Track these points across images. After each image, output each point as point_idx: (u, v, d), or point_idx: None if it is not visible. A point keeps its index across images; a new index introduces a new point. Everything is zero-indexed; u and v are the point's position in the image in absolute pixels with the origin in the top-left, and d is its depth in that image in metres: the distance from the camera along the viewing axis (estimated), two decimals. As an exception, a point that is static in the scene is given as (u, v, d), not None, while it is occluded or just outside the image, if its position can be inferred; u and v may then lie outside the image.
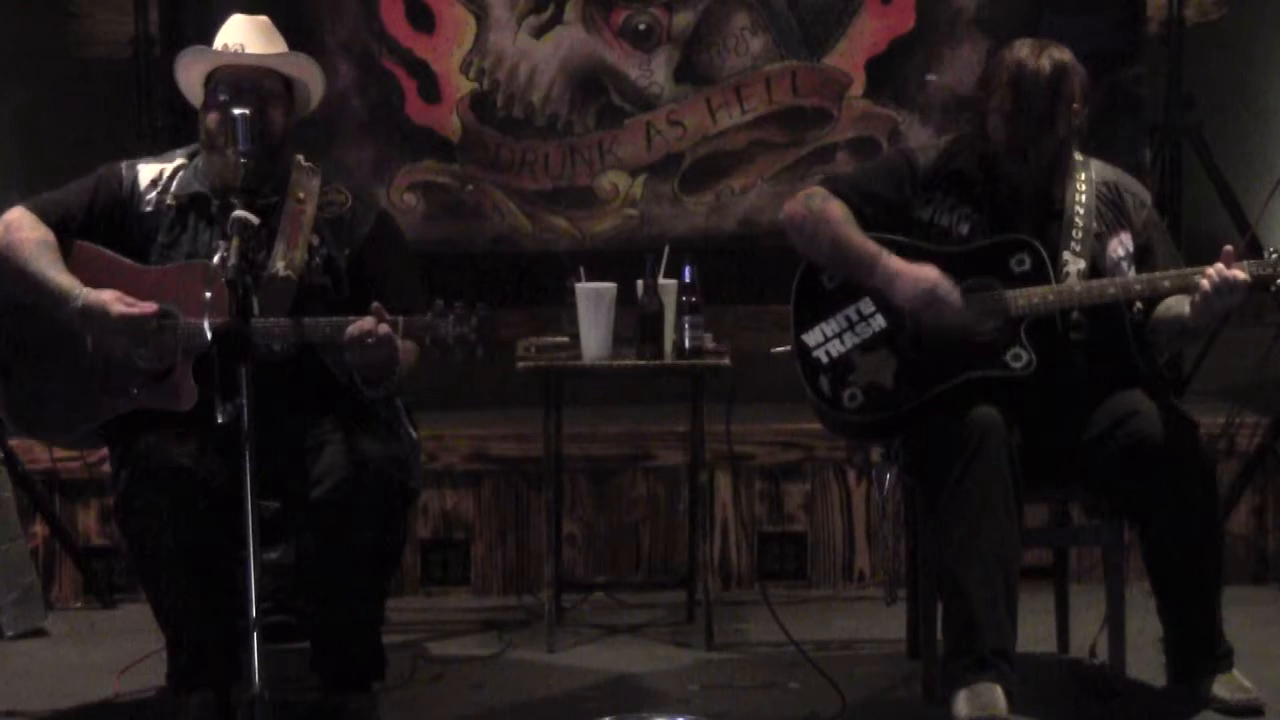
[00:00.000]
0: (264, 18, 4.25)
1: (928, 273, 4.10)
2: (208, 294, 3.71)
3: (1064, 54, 4.14)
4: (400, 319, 3.90)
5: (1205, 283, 4.00)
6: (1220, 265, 4.01)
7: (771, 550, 5.37)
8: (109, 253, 4.16)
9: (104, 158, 4.36)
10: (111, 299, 4.00)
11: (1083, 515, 4.66)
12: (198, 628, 4.02)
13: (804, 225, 4.22)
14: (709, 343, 4.78)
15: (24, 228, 4.13)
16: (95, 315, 4.00)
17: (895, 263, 4.12)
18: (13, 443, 5.02)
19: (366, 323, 3.89)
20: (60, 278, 4.06)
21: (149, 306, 4.00)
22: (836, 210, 4.19)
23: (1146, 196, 4.39)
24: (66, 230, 4.17)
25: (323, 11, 5.74)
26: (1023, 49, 4.14)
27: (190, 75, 4.22)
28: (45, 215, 4.17)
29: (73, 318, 4.02)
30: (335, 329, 3.95)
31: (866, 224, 4.20)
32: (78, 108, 5.89)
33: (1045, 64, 4.09)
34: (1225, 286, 3.99)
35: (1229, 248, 4.04)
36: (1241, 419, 5.31)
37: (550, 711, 4.35)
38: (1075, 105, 4.13)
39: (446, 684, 4.53)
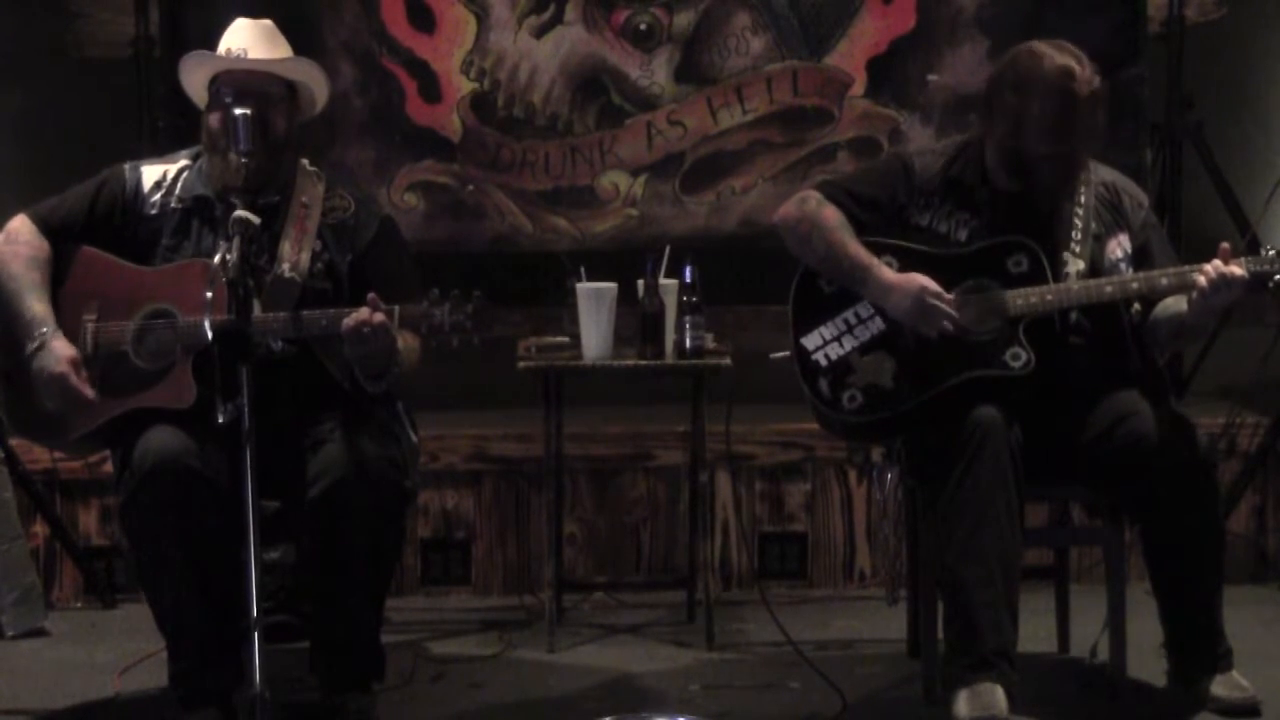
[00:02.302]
0: (268, 21, 4.25)
1: (916, 280, 4.10)
2: (208, 294, 3.71)
3: (1091, 64, 4.08)
4: (396, 308, 3.90)
5: (1202, 279, 4.01)
6: (1217, 262, 4.01)
7: (772, 550, 5.37)
8: (110, 256, 4.16)
9: (104, 158, 4.36)
10: (65, 358, 3.98)
11: (1083, 515, 4.66)
12: (200, 631, 4.01)
13: (798, 229, 4.22)
14: (709, 343, 4.78)
15: (19, 240, 4.14)
16: (43, 363, 3.99)
17: (887, 275, 4.13)
18: (13, 443, 5.02)
19: (362, 313, 3.89)
20: (35, 306, 4.06)
21: (89, 394, 3.99)
22: (831, 216, 4.19)
23: (1144, 198, 4.39)
24: (69, 235, 4.18)
25: (323, 11, 5.74)
26: (1060, 56, 4.07)
27: (194, 79, 4.23)
28: (47, 221, 4.18)
29: (31, 352, 4.01)
30: (333, 321, 3.96)
31: (861, 227, 4.21)
32: (78, 108, 5.89)
33: (1089, 79, 4.04)
34: (1222, 282, 4.00)
35: (1225, 245, 4.04)
36: (1241, 419, 5.32)
37: (550, 711, 4.35)
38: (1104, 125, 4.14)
39: (446, 684, 4.53)
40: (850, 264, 4.16)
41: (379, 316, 3.89)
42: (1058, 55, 4.08)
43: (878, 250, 4.19)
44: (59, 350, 4.01)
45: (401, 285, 4.14)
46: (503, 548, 5.35)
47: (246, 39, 4.19)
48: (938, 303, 4.08)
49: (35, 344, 4.02)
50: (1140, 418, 4.08)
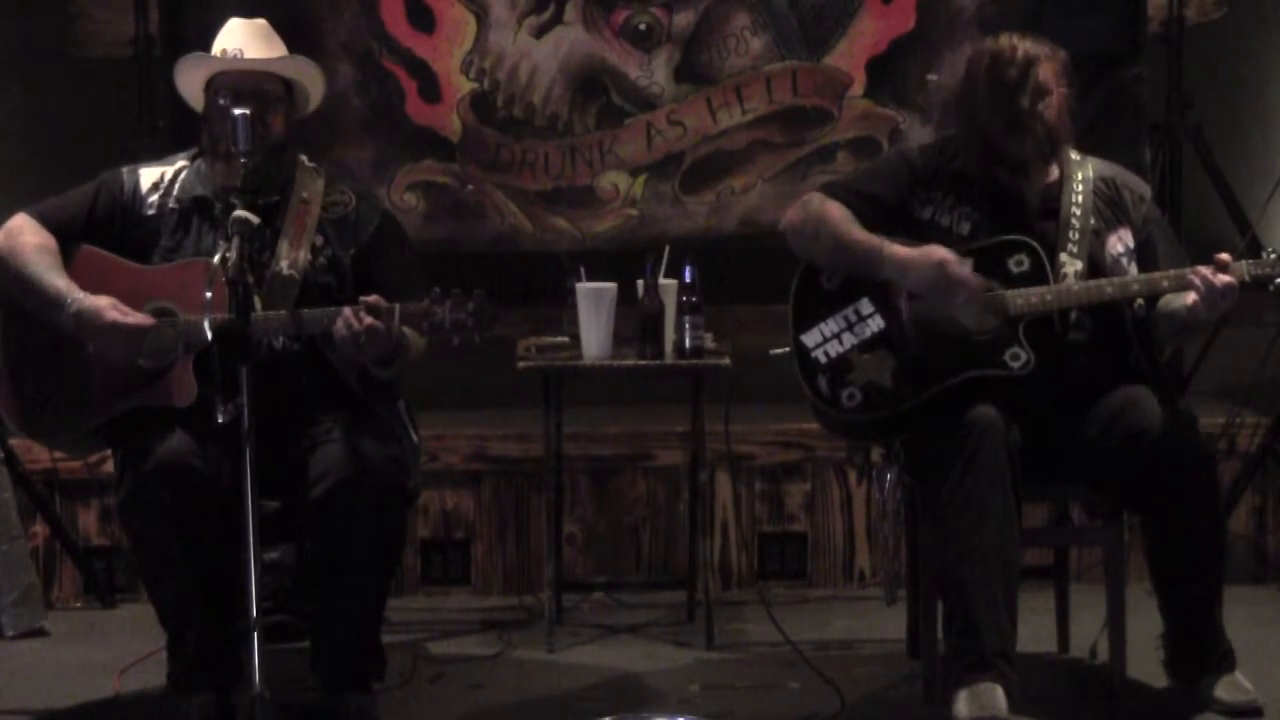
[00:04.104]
0: (261, 21, 4.25)
1: (935, 252, 4.09)
2: (208, 293, 3.71)
3: (1039, 41, 4.21)
4: (396, 306, 3.90)
5: (1194, 297, 4.03)
6: (1220, 275, 4.01)
7: (771, 550, 5.37)
8: (111, 255, 4.17)
9: (105, 158, 4.37)
10: (106, 306, 4.00)
11: (1083, 515, 4.66)
12: (199, 628, 4.02)
13: (804, 229, 4.23)
14: (709, 343, 4.78)
15: (25, 233, 4.15)
16: (88, 321, 4.00)
17: (901, 250, 4.12)
18: (13, 443, 5.02)
19: (351, 323, 3.89)
20: (57, 281, 4.06)
21: (144, 318, 4.00)
22: (835, 210, 4.20)
23: (1146, 191, 4.40)
24: (68, 235, 4.18)
25: (323, 11, 5.74)
26: (995, 38, 4.25)
27: (190, 81, 4.23)
28: (47, 220, 4.19)
29: (67, 322, 4.02)
30: (333, 319, 3.96)
31: (866, 225, 4.21)
32: (78, 108, 5.89)
33: (1018, 45, 4.18)
34: (1218, 295, 4.02)
35: (1223, 256, 4.05)
36: (1241, 419, 5.31)
37: (550, 711, 4.35)
38: (1061, 89, 4.16)
39: (446, 684, 4.53)
40: (861, 250, 4.15)
41: (368, 321, 3.88)
42: (993, 38, 4.26)
43: (879, 250, 4.20)
44: (96, 301, 4.01)
45: (404, 280, 4.16)
46: (502, 548, 5.34)
47: (241, 39, 4.19)
48: (960, 271, 4.08)
49: (71, 309, 4.02)
50: (1141, 412, 4.08)
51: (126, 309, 4.01)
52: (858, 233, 4.16)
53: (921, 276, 4.09)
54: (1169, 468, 4.05)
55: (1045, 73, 4.15)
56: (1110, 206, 4.28)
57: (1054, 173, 4.26)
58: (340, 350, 4.01)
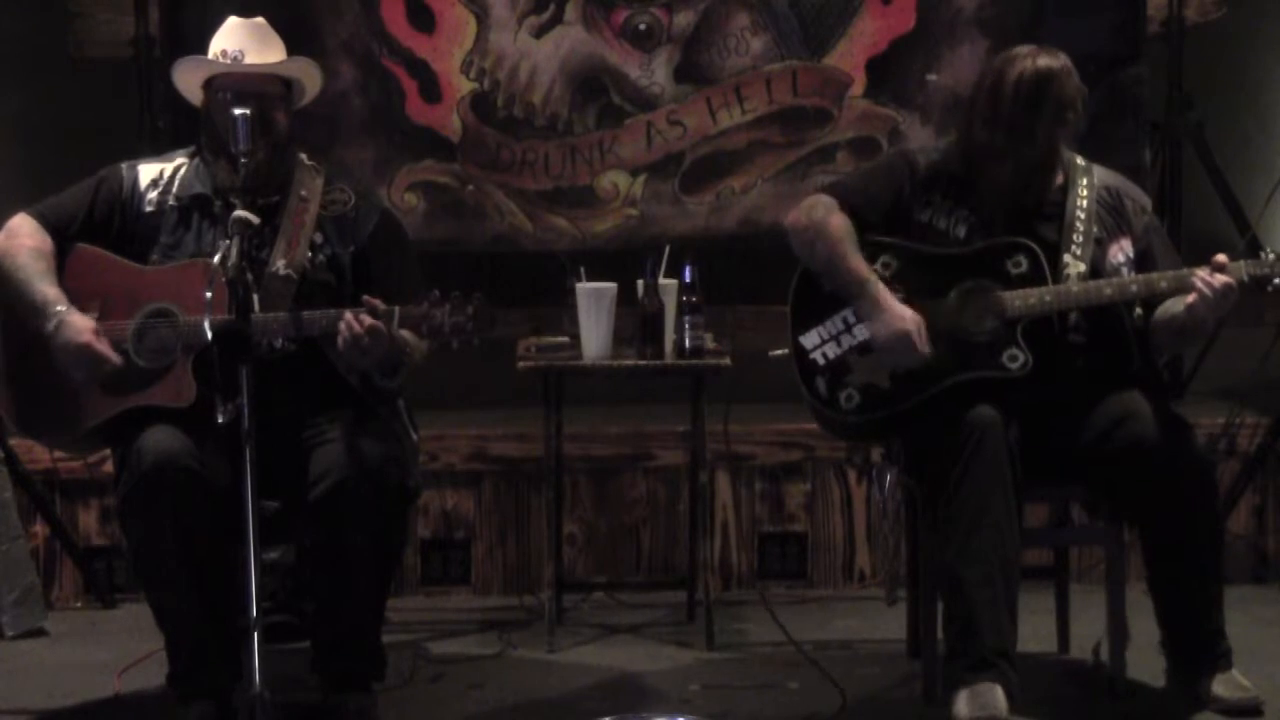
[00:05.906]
0: (260, 20, 4.24)
1: (907, 319, 4.10)
2: (208, 294, 3.71)
3: (1054, 60, 4.15)
4: (396, 309, 3.90)
5: (1196, 297, 4.02)
6: (1217, 275, 4.01)
7: (772, 550, 5.37)
8: (109, 254, 4.17)
9: (104, 158, 4.37)
10: (87, 329, 3.99)
11: (1083, 515, 4.66)
12: (198, 631, 4.01)
13: (804, 235, 4.24)
14: (709, 343, 4.78)
15: (21, 235, 4.15)
16: (66, 337, 3.99)
17: (881, 295, 4.13)
18: (13, 443, 5.02)
19: (353, 325, 3.89)
20: (46, 289, 4.06)
21: (113, 355, 3.99)
22: (836, 226, 4.20)
23: (1147, 202, 4.40)
24: (68, 234, 4.19)
25: (323, 11, 5.74)
26: (1013, 54, 4.19)
27: (189, 81, 4.22)
28: (46, 220, 4.19)
29: (46, 332, 4.01)
30: (333, 322, 3.96)
31: (869, 226, 4.21)
32: (78, 108, 5.89)
33: (1028, 70, 4.12)
34: (1218, 296, 4.01)
35: (1220, 257, 4.05)
36: (1241, 419, 5.31)
37: (550, 711, 4.35)
38: (1069, 114, 4.14)
39: (446, 684, 4.53)
40: (847, 276, 4.16)
41: (368, 321, 3.88)
42: (1011, 54, 4.19)
43: (878, 249, 4.20)
44: (79, 322, 4.02)
45: (403, 279, 4.16)
46: (503, 548, 5.35)
47: (241, 40, 4.17)
48: (921, 345, 4.08)
49: (53, 322, 4.02)
50: (1139, 419, 4.08)
51: (104, 339, 4.00)
52: (851, 257, 4.17)
53: (882, 330, 4.10)
54: (1167, 478, 4.05)
55: (1045, 108, 4.13)
56: (1113, 215, 4.28)
57: (1059, 178, 4.26)
58: (344, 357, 4.01)
